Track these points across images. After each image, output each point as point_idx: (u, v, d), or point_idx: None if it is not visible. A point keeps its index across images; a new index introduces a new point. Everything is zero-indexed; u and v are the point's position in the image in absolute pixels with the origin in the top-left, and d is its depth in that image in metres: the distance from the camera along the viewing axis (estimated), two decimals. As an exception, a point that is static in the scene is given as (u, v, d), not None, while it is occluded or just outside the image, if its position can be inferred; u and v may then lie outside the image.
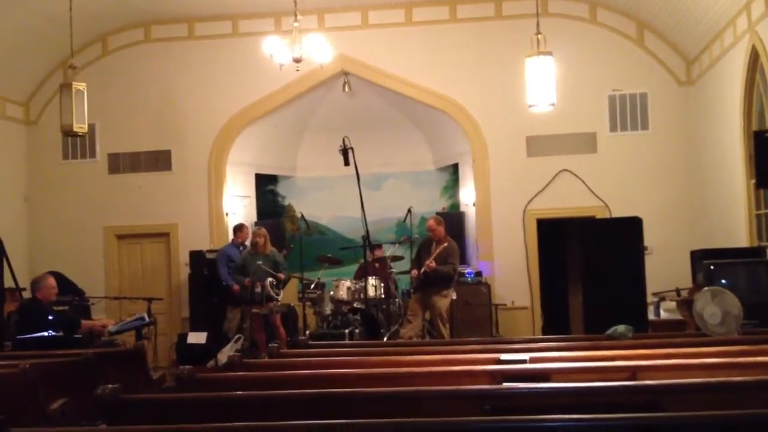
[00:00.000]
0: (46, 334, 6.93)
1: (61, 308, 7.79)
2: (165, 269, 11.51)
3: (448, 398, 3.25)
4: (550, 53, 7.99)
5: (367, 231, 8.85)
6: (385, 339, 8.98)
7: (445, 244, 9.06)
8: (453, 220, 11.11)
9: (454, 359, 4.59)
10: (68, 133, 8.68)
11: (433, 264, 8.85)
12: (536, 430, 2.63)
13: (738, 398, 3.14)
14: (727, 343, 5.05)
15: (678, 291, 8.99)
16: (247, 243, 10.27)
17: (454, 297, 9.47)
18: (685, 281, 9.01)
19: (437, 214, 10.70)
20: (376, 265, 9.93)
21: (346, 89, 11.47)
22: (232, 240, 10.52)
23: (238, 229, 10.49)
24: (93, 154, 11.54)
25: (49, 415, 4.84)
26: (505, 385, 3.48)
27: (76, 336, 7.19)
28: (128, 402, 3.42)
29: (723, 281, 7.16)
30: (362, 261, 10.03)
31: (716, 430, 2.61)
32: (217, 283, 10.25)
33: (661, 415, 2.81)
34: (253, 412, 3.26)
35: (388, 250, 10.42)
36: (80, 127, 8.56)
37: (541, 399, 3.26)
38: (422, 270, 8.89)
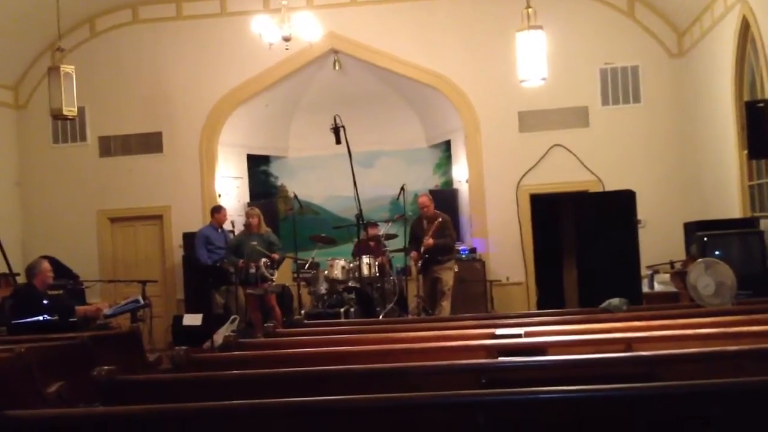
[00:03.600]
0: (41, 318, 6.92)
1: (55, 293, 7.76)
2: (159, 252, 11.49)
3: (445, 373, 3.26)
4: (540, 27, 7.95)
5: (360, 209, 8.83)
6: (380, 317, 9.00)
7: (439, 219, 9.15)
8: (446, 197, 11.11)
9: (450, 335, 4.60)
10: (58, 116, 8.61)
11: (431, 241, 8.93)
12: (533, 402, 2.64)
13: (732, 367, 3.16)
14: (722, 314, 5.07)
15: (671, 263, 9.02)
16: (225, 225, 10.28)
17: (456, 270, 9.56)
18: (679, 254, 9.03)
19: (432, 191, 10.73)
20: (371, 243, 9.92)
21: (337, 67, 11.41)
22: (210, 221, 10.45)
23: (216, 210, 10.40)
24: (83, 138, 11.47)
25: (46, 398, 4.84)
26: (501, 359, 3.49)
27: (71, 320, 7.18)
28: (124, 383, 3.42)
29: (716, 252, 7.19)
30: (356, 240, 10.03)
31: (711, 399, 2.62)
32: (197, 264, 10.21)
33: (656, 384, 2.82)
34: (251, 390, 3.26)
35: (383, 228, 10.40)
36: (70, 110, 8.49)
37: (537, 372, 3.28)
38: (422, 249, 8.95)
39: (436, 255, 9.10)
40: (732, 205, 8.95)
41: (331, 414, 2.60)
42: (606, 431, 2.27)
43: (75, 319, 7.23)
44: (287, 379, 3.44)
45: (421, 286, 9.40)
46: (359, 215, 8.93)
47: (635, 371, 3.18)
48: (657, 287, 8.69)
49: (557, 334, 4.45)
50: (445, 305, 9.07)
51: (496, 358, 3.71)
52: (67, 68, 8.41)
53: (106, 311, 7.63)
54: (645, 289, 8.47)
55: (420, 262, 9.19)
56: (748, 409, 2.50)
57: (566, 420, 2.48)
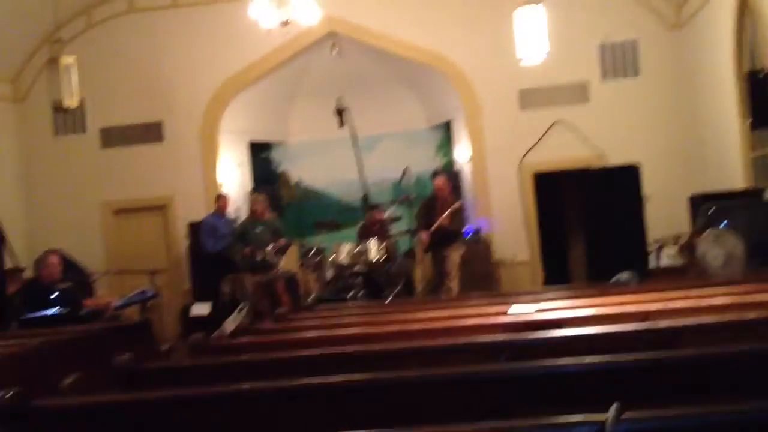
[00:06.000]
0: (50, 312, 6.93)
1: (64, 286, 7.77)
2: (164, 242, 11.49)
3: (465, 351, 3.26)
4: (540, 1, 7.92)
5: (366, 191, 8.81)
6: (387, 301, 9.01)
7: (459, 203, 9.31)
8: (449, 178, 11.07)
9: (464, 314, 4.60)
10: (59, 108, 8.61)
11: (448, 221, 9.00)
12: (557, 374, 2.64)
13: (754, 335, 3.16)
14: (733, 284, 5.08)
15: (677, 237, 9.03)
16: (228, 212, 10.28)
17: (463, 252, 9.59)
18: (684, 227, 9.03)
19: (436, 173, 10.71)
20: (376, 227, 9.91)
21: (334, 53, 11.36)
22: (214, 210, 10.43)
23: (217, 199, 10.43)
24: (84, 129, 11.42)
25: (63, 390, 4.85)
26: (521, 334, 3.49)
27: (80, 313, 7.20)
28: (144, 370, 3.43)
29: (724, 223, 7.18)
30: (362, 223, 10.03)
31: (735, 365, 2.62)
32: (202, 253, 10.22)
33: (679, 352, 2.83)
34: (272, 374, 3.26)
35: (388, 211, 10.38)
36: (71, 101, 8.48)
37: (557, 346, 3.27)
38: (436, 226, 8.98)
39: (443, 239, 9.10)
40: (736, 177, 8.94)
41: (357, 392, 2.60)
42: (636, 398, 2.27)
43: (84, 313, 7.25)
44: (306, 362, 3.44)
45: (429, 265, 9.42)
46: (365, 197, 8.91)
47: (655, 340, 3.18)
48: (664, 261, 8.70)
49: (571, 309, 4.45)
50: (453, 286, 9.08)
51: (513, 333, 3.71)
52: (67, 59, 8.38)
53: (116, 303, 7.65)
54: (652, 263, 8.49)
55: (428, 243, 9.19)
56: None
57: (593, 391, 2.48)
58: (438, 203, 9.26)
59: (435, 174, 9.83)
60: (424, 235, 9.18)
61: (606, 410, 1.87)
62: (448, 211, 9.04)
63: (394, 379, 2.66)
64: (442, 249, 9.16)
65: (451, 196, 9.38)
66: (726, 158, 9.26)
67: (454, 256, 9.19)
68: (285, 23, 8.72)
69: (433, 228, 9.05)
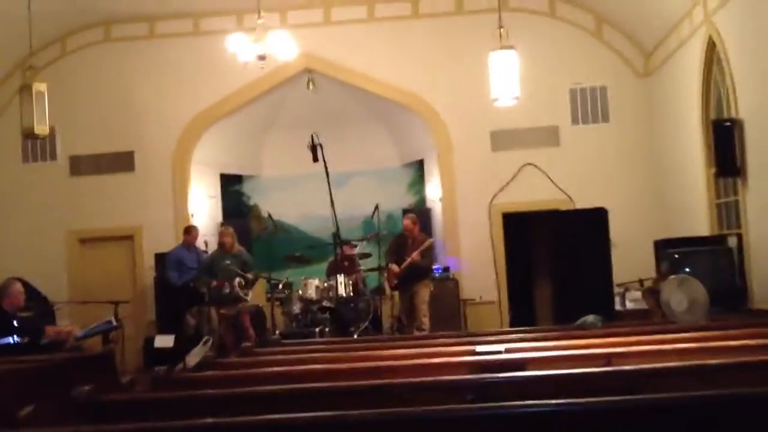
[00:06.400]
0: (11, 340, 6.79)
1: (25, 314, 7.63)
2: (130, 272, 11.36)
3: (430, 389, 3.26)
4: (512, 47, 8.06)
5: (338, 227, 8.82)
6: (354, 336, 8.98)
7: (431, 240, 9.54)
8: (420, 216, 11.12)
9: (431, 352, 4.60)
10: (29, 135, 8.51)
11: (418, 257, 9.17)
12: (520, 416, 2.65)
13: (714, 380, 3.20)
14: (696, 329, 5.14)
15: (641, 281, 9.13)
16: (199, 244, 10.25)
17: (431, 288, 9.67)
18: (648, 271, 9.14)
19: (407, 211, 10.80)
20: (345, 263, 9.91)
21: (310, 87, 11.43)
22: (182, 241, 10.39)
23: (186, 231, 10.38)
24: (54, 157, 11.34)
25: (20, 420, 4.75)
26: (486, 375, 3.50)
27: (41, 342, 7.06)
28: (105, 403, 3.37)
29: (687, 269, 7.29)
30: (331, 259, 10.02)
31: (696, 411, 2.65)
32: (168, 285, 10.14)
33: (641, 397, 2.85)
34: (235, 409, 3.23)
35: (357, 247, 10.40)
36: (41, 129, 8.39)
37: (521, 387, 3.29)
38: (408, 262, 9.16)
39: (414, 274, 9.20)
40: (700, 223, 9.09)
41: (321, 429, 2.59)
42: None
43: (45, 342, 7.11)
44: (271, 397, 3.42)
45: (399, 304, 9.49)
46: (336, 233, 8.91)
47: (618, 385, 3.21)
48: (628, 305, 8.77)
49: (537, 351, 4.47)
50: (425, 320, 9.22)
51: (479, 374, 3.72)
52: (39, 86, 8.32)
53: (78, 333, 7.51)
54: (617, 306, 8.56)
55: (396, 279, 9.29)
56: (734, 418, 2.54)
57: (557, 433, 2.49)
58: (408, 241, 9.39)
59: (405, 212, 9.93)
60: (394, 267, 9.25)
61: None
62: (422, 247, 9.18)
63: (359, 416, 2.65)
64: (411, 286, 9.24)
65: (420, 235, 9.53)
66: (691, 204, 9.42)
67: (423, 292, 9.32)
68: (262, 57, 8.77)
69: (404, 265, 9.16)
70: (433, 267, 9.89)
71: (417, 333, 8.67)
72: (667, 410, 2.63)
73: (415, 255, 9.19)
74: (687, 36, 9.21)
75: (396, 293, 9.97)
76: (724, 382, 3.07)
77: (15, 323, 7.02)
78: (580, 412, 2.66)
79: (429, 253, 9.47)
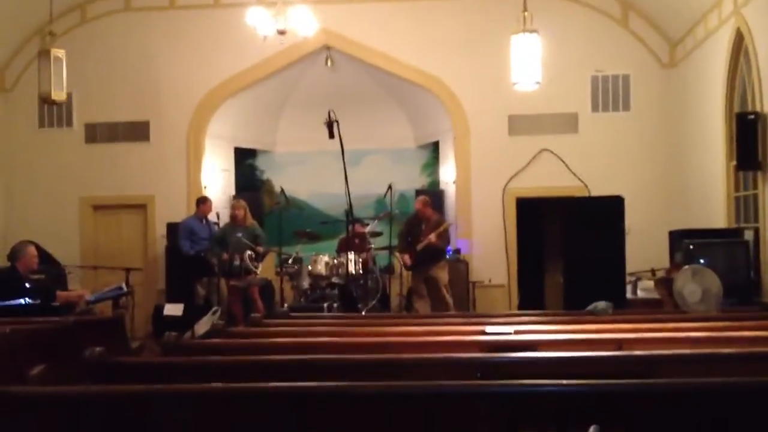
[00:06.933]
0: (22, 301, 6.84)
1: (37, 277, 7.67)
2: (141, 241, 11.40)
3: (440, 366, 3.24)
4: (536, 31, 7.97)
5: (350, 204, 8.78)
6: (362, 314, 8.98)
7: (448, 223, 9.63)
8: (433, 198, 11.09)
9: (441, 330, 4.59)
10: (46, 100, 8.52)
11: (434, 238, 9.14)
12: (529, 395, 2.63)
13: (725, 369, 3.17)
14: (708, 320, 5.10)
15: (653, 271, 9.08)
16: (210, 217, 10.26)
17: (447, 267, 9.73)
18: (661, 261, 9.09)
19: (420, 191, 10.78)
20: (356, 240, 9.89)
21: (328, 64, 11.38)
22: (195, 212, 10.41)
23: (201, 201, 10.38)
24: (70, 123, 11.35)
25: (29, 380, 4.77)
26: (498, 354, 3.48)
27: (53, 304, 7.10)
28: (115, 365, 3.38)
29: (701, 261, 7.23)
30: (342, 236, 10.01)
31: (706, 398, 2.62)
32: (179, 255, 10.18)
33: (652, 381, 2.83)
34: (242, 376, 3.23)
35: (369, 226, 10.37)
36: (58, 94, 8.40)
37: (531, 368, 3.27)
38: (424, 243, 9.13)
39: (429, 257, 9.20)
40: (717, 215, 9.01)
41: (329, 401, 2.58)
42: (608, 423, 2.27)
43: (57, 304, 7.16)
44: (278, 366, 3.41)
45: (411, 282, 9.50)
46: (349, 211, 8.87)
47: (629, 370, 3.19)
48: (640, 294, 8.72)
49: (547, 333, 4.45)
50: (449, 300, 9.33)
51: (488, 353, 3.70)
52: (57, 52, 8.32)
53: (89, 297, 7.55)
54: (628, 295, 8.51)
55: (411, 263, 9.28)
56: (744, 409, 2.51)
57: (567, 413, 2.47)
58: (422, 222, 9.36)
59: (418, 193, 9.88)
60: (406, 257, 9.26)
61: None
62: (440, 229, 9.15)
63: (366, 388, 2.64)
64: (426, 267, 9.21)
65: (435, 215, 9.51)
66: (708, 196, 9.34)
67: (442, 276, 9.38)
68: (282, 32, 8.73)
69: (421, 246, 9.12)
70: (445, 249, 9.80)
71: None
72: (677, 396, 2.61)
73: (432, 237, 9.17)
74: (715, 27, 9.08)
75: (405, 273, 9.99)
76: (735, 372, 3.04)
77: (27, 285, 7.07)
78: (590, 394, 2.64)
79: (445, 235, 9.48)
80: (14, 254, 7.23)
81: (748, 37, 8.06)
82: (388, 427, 2.49)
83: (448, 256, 10.50)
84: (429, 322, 5.33)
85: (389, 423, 2.51)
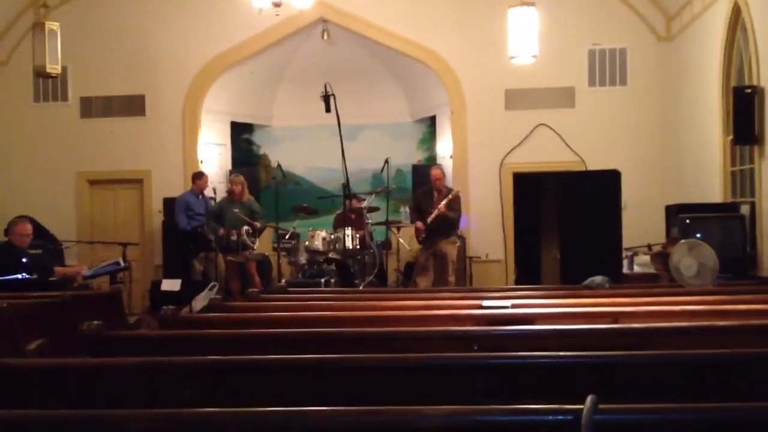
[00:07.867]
0: (19, 276, 6.85)
1: (35, 252, 7.67)
2: (138, 216, 11.39)
3: (437, 339, 3.26)
4: (533, 4, 7.94)
5: (347, 178, 8.77)
6: (360, 288, 9.00)
7: (457, 191, 9.36)
8: (429, 172, 11.07)
9: (438, 304, 4.60)
10: (41, 74, 8.50)
11: (444, 209, 8.92)
12: (526, 367, 2.65)
13: (721, 342, 3.19)
14: (704, 293, 5.13)
15: (650, 245, 9.10)
16: (206, 192, 10.25)
17: (458, 244, 9.61)
18: (657, 236, 9.10)
19: (413, 166, 10.74)
20: (352, 216, 9.89)
21: (325, 37, 11.31)
22: (192, 187, 10.39)
23: (198, 176, 10.36)
24: (65, 97, 11.28)
25: (27, 355, 4.79)
26: (494, 327, 3.50)
27: (50, 279, 7.12)
28: (113, 339, 3.39)
29: (698, 235, 7.24)
30: (339, 211, 10.01)
31: (700, 369, 2.64)
32: (176, 230, 10.18)
33: (648, 353, 2.85)
34: (241, 350, 3.24)
35: (366, 201, 10.36)
36: (53, 68, 8.37)
37: (527, 340, 3.29)
38: (435, 215, 8.91)
39: (440, 229, 9.06)
40: (713, 190, 9.01)
41: (327, 373, 2.59)
42: (605, 394, 2.28)
43: (54, 279, 7.18)
44: (274, 339, 3.42)
45: (419, 256, 9.39)
46: (346, 185, 8.86)
47: (625, 342, 3.21)
48: (636, 269, 8.75)
49: (543, 307, 4.46)
50: (452, 279, 9.19)
51: (487, 327, 3.71)
52: (52, 25, 8.27)
53: (86, 272, 7.57)
54: (624, 269, 8.54)
55: (424, 234, 9.12)
56: (740, 379, 2.53)
57: (563, 385, 2.49)
58: (435, 193, 9.26)
59: (422, 167, 9.71)
60: (419, 224, 9.12)
61: (574, 403, 1.87)
62: (449, 197, 8.98)
63: (364, 360, 2.65)
64: (436, 241, 9.11)
65: (446, 188, 9.41)
66: (705, 171, 9.34)
67: (452, 251, 9.23)
68: (277, 4, 8.65)
69: (431, 217, 8.95)
70: (458, 221, 9.47)
71: None
72: (672, 367, 2.63)
73: (441, 206, 8.91)
74: (711, 1, 9.03)
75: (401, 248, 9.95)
76: (730, 344, 3.06)
77: (24, 260, 7.08)
78: (586, 366, 2.65)
79: (456, 206, 9.18)
80: (9, 229, 7.25)
81: (746, 10, 8.01)
82: (386, 399, 2.51)
83: (461, 229, 10.34)
84: (427, 297, 5.35)
85: (387, 395, 2.52)
